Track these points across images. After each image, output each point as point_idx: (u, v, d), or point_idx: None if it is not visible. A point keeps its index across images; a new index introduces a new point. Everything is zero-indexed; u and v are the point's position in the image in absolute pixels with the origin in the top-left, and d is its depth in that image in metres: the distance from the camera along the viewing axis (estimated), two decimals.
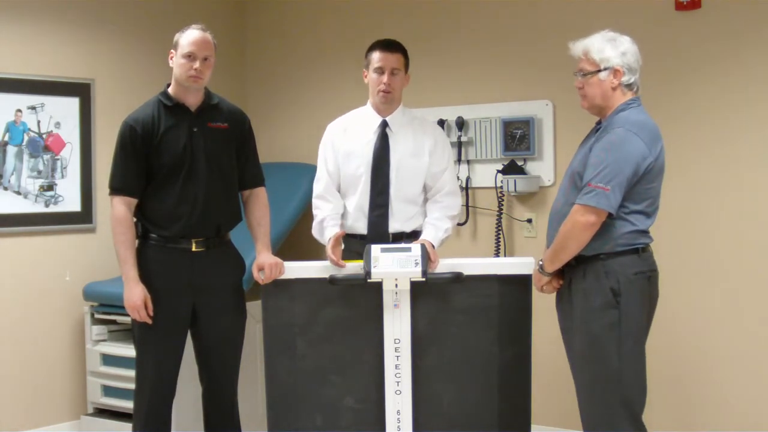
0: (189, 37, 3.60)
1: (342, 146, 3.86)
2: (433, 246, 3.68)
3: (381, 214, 3.79)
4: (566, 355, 3.42)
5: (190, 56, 3.58)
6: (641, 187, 3.24)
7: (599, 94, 3.33)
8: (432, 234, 3.73)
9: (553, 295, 3.50)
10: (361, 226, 3.83)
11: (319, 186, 3.88)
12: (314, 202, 3.89)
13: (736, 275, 4.22)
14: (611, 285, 3.23)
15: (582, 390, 3.35)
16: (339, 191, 3.88)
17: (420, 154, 3.83)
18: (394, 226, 3.80)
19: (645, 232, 3.30)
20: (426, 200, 3.88)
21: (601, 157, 3.21)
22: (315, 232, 3.87)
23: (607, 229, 3.24)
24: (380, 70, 3.78)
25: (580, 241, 3.24)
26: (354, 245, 3.78)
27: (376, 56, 3.79)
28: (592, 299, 3.26)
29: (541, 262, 3.42)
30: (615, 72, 3.30)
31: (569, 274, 3.36)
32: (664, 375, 4.19)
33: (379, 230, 3.79)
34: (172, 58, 3.63)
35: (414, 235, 3.81)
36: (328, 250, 3.67)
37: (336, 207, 3.84)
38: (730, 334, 4.24)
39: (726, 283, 4.25)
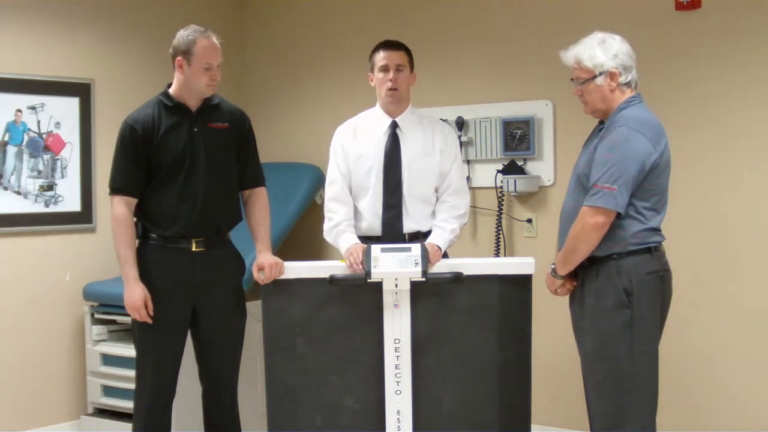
0: (204, 47, 3.57)
1: (352, 149, 3.84)
2: (440, 248, 3.68)
3: (395, 215, 3.79)
4: (578, 355, 3.40)
5: (208, 68, 3.59)
6: (648, 184, 3.23)
7: (599, 99, 3.33)
8: (438, 236, 3.74)
9: (553, 296, 3.50)
10: (375, 228, 3.81)
11: (333, 189, 3.85)
12: (328, 205, 3.85)
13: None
14: (624, 285, 3.23)
15: (593, 390, 3.34)
16: (351, 193, 3.87)
17: (430, 152, 3.83)
18: (409, 225, 3.80)
19: (656, 230, 3.30)
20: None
21: (606, 157, 3.21)
22: (328, 236, 3.84)
23: (618, 229, 3.24)
24: (385, 68, 3.78)
25: (591, 242, 3.24)
26: None
27: (380, 55, 3.80)
28: (605, 299, 3.25)
29: (553, 266, 3.42)
30: (611, 75, 3.30)
31: (582, 275, 3.35)
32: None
33: (393, 230, 3.78)
34: (181, 66, 3.59)
35: (430, 235, 3.81)
36: (355, 258, 3.59)
37: (350, 211, 3.83)
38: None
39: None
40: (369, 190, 3.82)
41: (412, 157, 3.81)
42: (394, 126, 3.84)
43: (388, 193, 3.79)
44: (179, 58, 3.59)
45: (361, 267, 3.56)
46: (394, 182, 3.79)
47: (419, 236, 3.79)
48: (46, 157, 4.96)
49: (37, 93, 4.92)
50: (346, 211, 3.82)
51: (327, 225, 3.84)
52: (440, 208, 3.84)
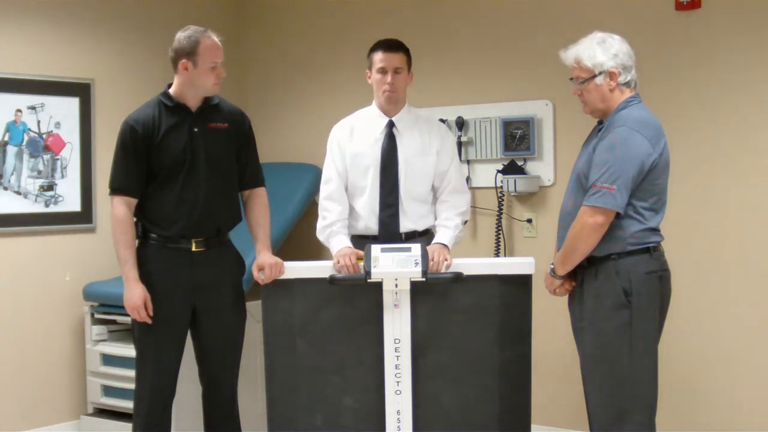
0: (209, 47, 3.58)
1: (349, 148, 3.85)
2: (448, 247, 3.69)
3: (392, 214, 3.80)
4: (578, 355, 3.40)
5: (214, 67, 3.59)
6: (647, 184, 3.23)
7: (598, 99, 3.33)
8: (443, 235, 3.75)
9: (553, 296, 3.50)
10: (372, 227, 3.82)
11: (328, 187, 3.86)
12: (323, 203, 3.87)
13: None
14: (623, 285, 3.23)
15: (592, 390, 3.34)
16: (346, 191, 3.87)
17: (427, 152, 3.84)
18: (406, 225, 3.81)
19: (655, 230, 3.30)
20: (436, 199, 3.89)
21: (605, 157, 3.21)
22: (321, 235, 3.85)
23: (617, 229, 3.24)
24: (383, 71, 3.78)
25: (590, 242, 3.24)
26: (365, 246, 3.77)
27: (378, 56, 3.80)
28: (604, 299, 3.25)
29: (552, 266, 3.42)
30: (610, 74, 3.30)
31: (581, 275, 3.35)
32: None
33: (390, 230, 3.79)
34: (186, 69, 3.59)
35: (427, 234, 3.82)
36: (347, 259, 3.61)
37: (344, 210, 3.84)
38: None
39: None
40: (366, 189, 3.82)
41: (409, 157, 3.82)
42: (391, 125, 3.84)
43: (385, 193, 3.80)
44: (184, 60, 3.58)
45: (354, 268, 3.57)
46: (390, 181, 3.79)
47: (416, 235, 3.80)
48: (46, 157, 4.96)
49: (37, 93, 4.92)
50: (341, 210, 3.83)
51: (320, 224, 3.85)
52: (441, 208, 3.85)
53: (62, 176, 5.02)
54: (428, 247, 3.64)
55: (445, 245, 3.69)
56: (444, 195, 3.86)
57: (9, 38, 4.85)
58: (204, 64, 3.58)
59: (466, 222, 3.91)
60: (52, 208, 4.99)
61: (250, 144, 3.83)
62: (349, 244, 3.75)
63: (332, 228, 3.80)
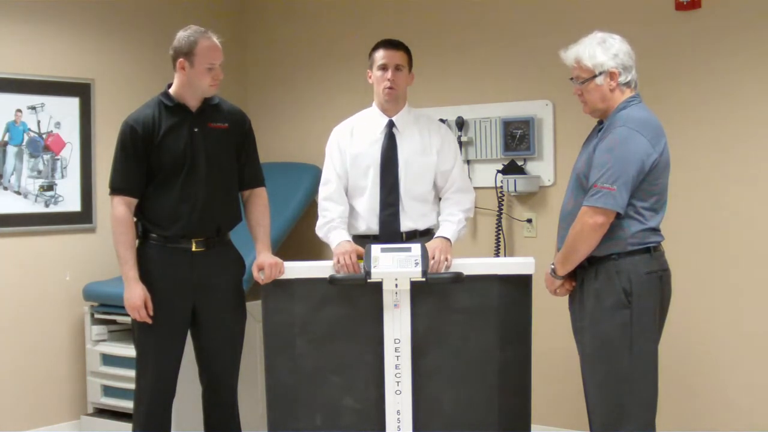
0: (206, 48, 3.58)
1: (349, 148, 3.86)
2: (450, 241, 3.70)
3: (392, 213, 3.80)
4: (578, 355, 3.41)
5: (211, 68, 3.59)
6: (648, 184, 3.23)
7: (599, 98, 3.33)
8: (446, 229, 3.76)
9: (553, 296, 3.50)
10: (372, 227, 3.83)
11: (328, 188, 3.87)
12: (322, 203, 3.87)
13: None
14: (623, 285, 3.23)
15: (593, 390, 3.34)
16: (346, 193, 3.88)
17: (427, 152, 3.85)
18: (407, 224, 3.81)
19: (655, 230, 3.30)
20: (438, 198, 3.90)
21: (605, 158, 3.21)
22: (320, 231, 3.86)
23: (617, 229, 3.24)
24: (384, 67, 3.79)
25: (590, 242, 3.24)
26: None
27: (379, 54, 3.81)
28: (604, 299, 3.25)
29: (552, 266, 3.42)
30: (611, 75, 3.30)
31: (581, 275, 3.35)
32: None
33: (390, 229, 3.80)
34: (183, 68, 3.59)
35: (428, 233, 3.83)
36: (347, 258, 3.63)
37: (344, 210, 3.85)
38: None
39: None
40: (366, 190, 3.83)
41: (409, 156, 3.82)
42: (391, 125, 3.85)
43: (385, 192, 3.80)
44: (181, 59, 3.59)
45: (354, 268, 3.58)
46: (390, 181, 3.80)
47: (417, 234, 3.81)
48: (46, 157, 4.96)
49: (37, 93, 4.92)
50: (341, 210, 3.84)
51: (320, 222, 3.86)
52: (445, 204, 3.88)
53: (62, 176, 5.02)
54: (429, 243, 3.65)
55: (447, 239, 3.70)
56: (448, 194, 3.88)
57: (9, 38, 4.84)
58: (200, 64, 3.58)
59: (469, 218, 3.92)
60: (52, 208, 4.98)
61: (250, 144, 3.83)
62: (349, 238, 3.76)
63: (332, 224, 3.81)
